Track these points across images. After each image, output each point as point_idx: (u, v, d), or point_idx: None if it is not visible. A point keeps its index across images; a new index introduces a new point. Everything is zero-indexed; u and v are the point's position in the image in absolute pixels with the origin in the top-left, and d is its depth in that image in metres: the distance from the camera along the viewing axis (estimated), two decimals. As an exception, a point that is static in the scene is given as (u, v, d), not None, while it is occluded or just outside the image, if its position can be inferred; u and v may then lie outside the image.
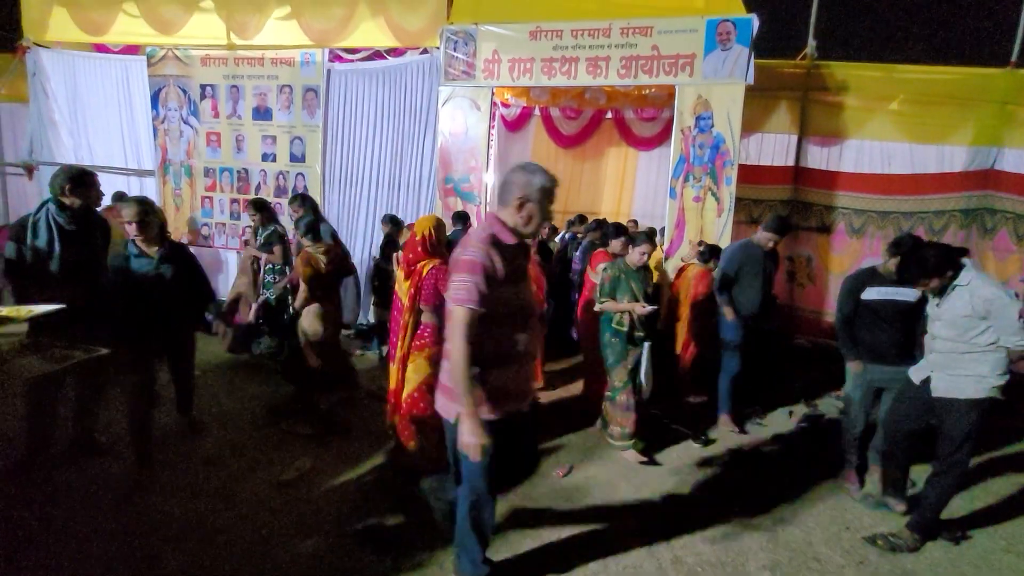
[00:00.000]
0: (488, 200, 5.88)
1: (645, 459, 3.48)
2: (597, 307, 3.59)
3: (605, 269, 3.63)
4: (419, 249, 3.07)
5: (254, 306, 4.38)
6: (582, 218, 6.40)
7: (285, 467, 3.19)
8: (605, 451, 3.64)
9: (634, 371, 3.53)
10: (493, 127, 6.21)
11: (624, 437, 3.55)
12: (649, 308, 3.45)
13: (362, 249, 6.06)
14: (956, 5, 9.92)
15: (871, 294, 3.00)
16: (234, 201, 6.53)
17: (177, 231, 6.56)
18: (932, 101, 5.26)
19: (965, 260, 2.61)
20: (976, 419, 2.54)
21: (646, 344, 3.54)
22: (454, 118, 5.53)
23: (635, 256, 3.60)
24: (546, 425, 3.93)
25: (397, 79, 5.87)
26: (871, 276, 3.06)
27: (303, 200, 4.82)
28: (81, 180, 2.96)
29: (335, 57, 6.05)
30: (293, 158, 6.28)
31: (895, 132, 5.44)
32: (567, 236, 6.05)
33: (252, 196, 6.37)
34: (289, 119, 6.22)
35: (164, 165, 6.65)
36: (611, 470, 3.39)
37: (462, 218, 5.04)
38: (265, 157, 6.38)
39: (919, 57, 5.57)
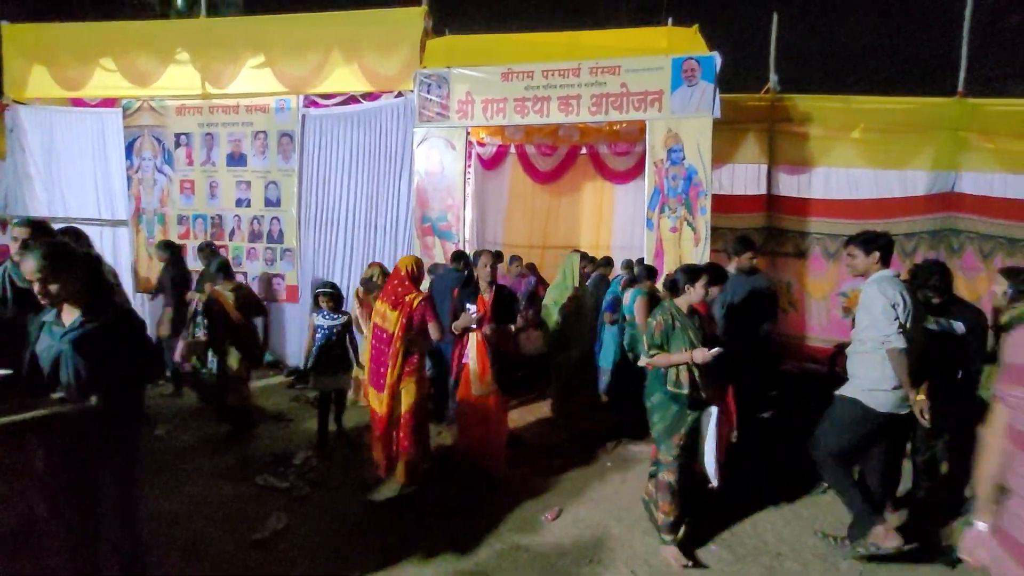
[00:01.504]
0: (466, 237, 5.89)
1: (689, 562, 2.76)
2: (644, 361, 2.92)
3: (654, 316, 2.95)
4: (407, 282, 3.41)
5: (179, 346, 4.50)
6: (608, 260, 6.24)
7: (258, 525, 3.05)
8: (594, 488, 3.53)
9: (690, 445, 2.82)
10: (469, 165, 6.28)
11: (667, 528, 2.85)
12: (712, 351, 2.72)
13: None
14: (901, 39, 10.56)
15: None
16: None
17: (150, 280, 6.42)
18: (891, 129, 5.50)
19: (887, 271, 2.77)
20: (839, 416, 2.74)
21: (712, 410, 2.82)
22: (430, 158, 5.60)
23: (697, 292, 2.88)
24: (531, 460, 3.87)
25: (372, 122, 5.95)
26: None
27: (210, 249, 5.33)
28: (40, 231, 2.85)
29: (310, 102, 6.13)
30: (268, 202, 6.28)
31: (859, 159, 5.66)
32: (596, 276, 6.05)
33: (226, 242, 6.36)
34: (264, 164, 6.24)
35: (137, 214, 6.61)
36: (602, 511, 3.27)
37: (460, 257, 4.95)
38: (239, 202, 6.37)
39: (874, 88, 5.88)
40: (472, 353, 3.55)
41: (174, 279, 5.25)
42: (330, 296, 4.03)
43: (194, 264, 5.77)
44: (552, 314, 4.63)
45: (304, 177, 6.19)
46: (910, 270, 3.31)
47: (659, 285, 4.54)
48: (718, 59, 4.98)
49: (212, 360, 4.29)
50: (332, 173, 6.13)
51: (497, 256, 6.15)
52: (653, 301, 4.06)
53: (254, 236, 6.32)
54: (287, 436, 4.33)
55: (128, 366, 2.12)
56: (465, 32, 6.10)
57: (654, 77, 5.13)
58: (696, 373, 2.81)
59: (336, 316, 4.05)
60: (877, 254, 2.74)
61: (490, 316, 3.55)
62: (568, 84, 5.30)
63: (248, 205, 6.34)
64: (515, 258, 6.25)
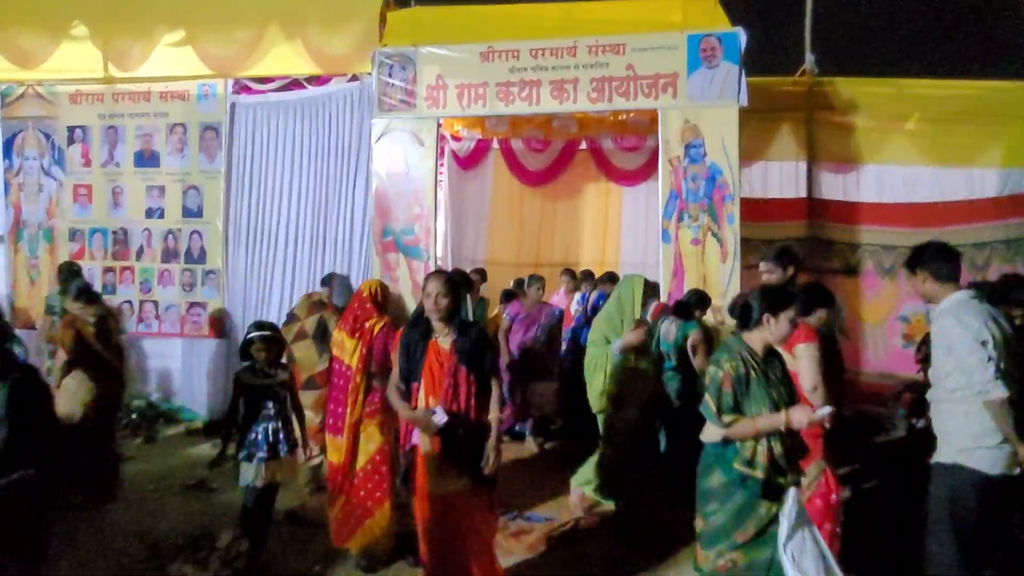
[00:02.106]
0: (438, 255, 5.77)
1: None
2: (722, 432, 2.43)
3: (717, 363, 2.48)
4: (368, 306, 3.48)
5: None
6: (611, 276, 6.22)
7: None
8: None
9: (759, 540, 2.38)
10: (442, 165, 6.31)
11: None
12: (821, 412, 2.34)
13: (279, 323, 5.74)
14: (963, 11, 10.68)
15: None
16: (108, 271, 6.31)
17: (29, 313, 6.16)
18: (953, 119, 5.60)
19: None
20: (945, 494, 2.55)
21: (791, 492, 2.38)
22: (392, 156, 5.54)
23: (781, 327, 2.44)
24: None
25: (319, 112, 5.92)
26: None
27: (70, 270, 5.20)
28: None
29: (241, 88, 6.09)
30: (187, 213, 6.20)
31: (916, 155, 5.74)
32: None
33: (133, 262, 6.22)
34: (182, 165, 6.18)
35: (17, 229, 6.43)
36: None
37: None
38: (150, 213, 6.27)
39: (932, 71, 6.02)
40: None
41: None
42: (267, 343, 3.39)
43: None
44: (599, 358, 4.07)
45: (233, 181, 6.11)
46: (983, 285, 3.29)
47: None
48: (743, 36, 4.99)
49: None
50: (269, 176, 6.08)
51: (480, 275, 6.10)
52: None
53: (168, 255, 6.21)
54: (207, 510, 4.15)
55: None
56: (436, 2, 6.15)
57: (666, 57, 5.12)
58: (779, 447, 2.38)
59: (272, 372, 3.44)
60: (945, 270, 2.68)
61: (447, 389, 2.77)
62: (562, 66, 5.27)
63: (161, 216, 6.23)
64: (536, 279, 5.82)
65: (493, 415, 2.82)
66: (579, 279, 6.37)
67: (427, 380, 2.79)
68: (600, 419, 4.08)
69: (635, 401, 3.94)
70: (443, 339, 2.82)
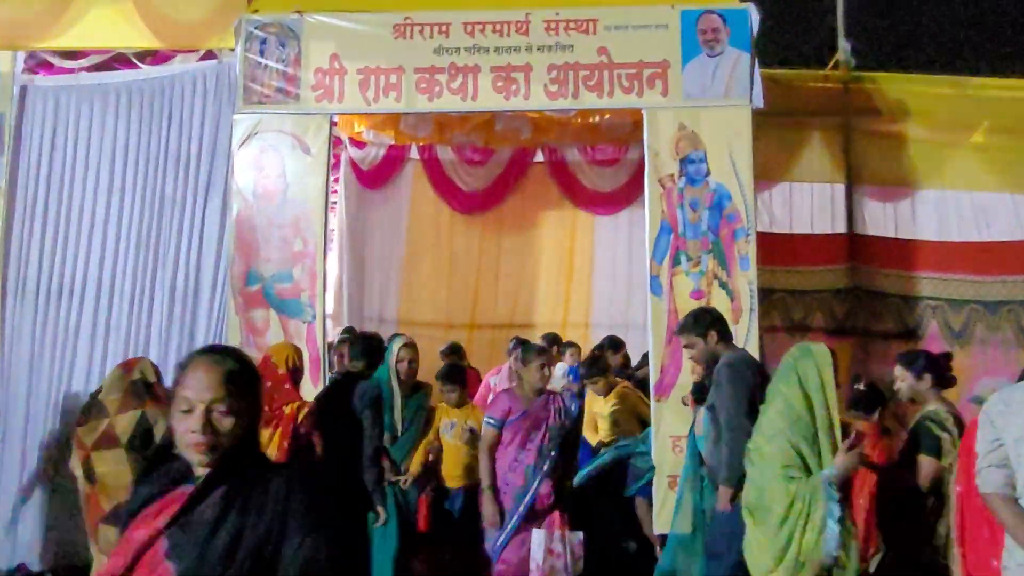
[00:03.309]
0: (328, 311, 5.76)
1: None
2: None
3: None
4: (286, 385, 3.76)
5: None
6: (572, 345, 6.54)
7: None
8: None
9: None
10: (336, 181, 6.31)
11: None
12: None
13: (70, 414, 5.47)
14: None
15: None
16: None
17: None
18: None
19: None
20: None
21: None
22: (262, 168, 5.49)
23: None
24: None
25: (155, 103, 5.88)
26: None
27: None
28: None
29: (38, 65, 6.07)
30: None
31: (987, 177, 5.99)
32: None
33: None
34: None
35: None
36: None
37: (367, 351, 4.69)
38: None
39: (1003, 68, 6.38)
40: None
41: None
42: None
43: None
44: (780, 494, 3.40)
45: (19, 197, 5.92)
46: None
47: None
48: (755, 13, 5.17)
49: None
50: (75, 192, 5.95)
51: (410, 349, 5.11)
52: None
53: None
54: None
55: None
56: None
57: (653, 39, 5.24)
58: None
59: None
60: None
61: None
62: (510, 47, 5.35)
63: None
64: (535, 348, 5.09)
65: None
66: (557, 346, 6.37)
67: None
68: None
69: None
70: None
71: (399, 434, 4.58)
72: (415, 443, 4.65)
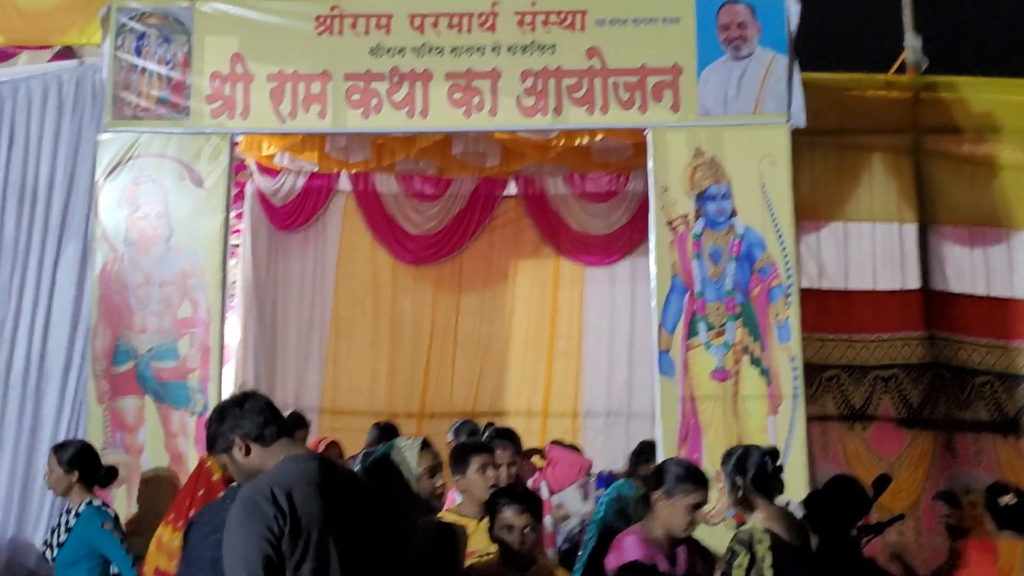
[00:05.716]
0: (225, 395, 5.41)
1: None
2: None
3: None
4: (220, 495, 3.89)
5: None
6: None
7: None
8: None
9: None
10: (239, 218, 6.52)
11: None
12: None
13: None
14: None
15: None
16: None
17: None
18: None
19: None
20: None
21: None
22: (138, 205, 5.27)
23: None
24: None
25: None
26: None
27: None
28: None
29: None
30: None
31: None
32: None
33: None
34: None
35: None
36: None
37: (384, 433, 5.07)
38: None
39: None
40: None
41: None
42: None
43: None
44: None
45: None
46: None
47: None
48: (794, 3, 4.95)
49: None
50: None
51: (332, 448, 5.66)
52: None
53: None
54: None
55: None
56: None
57: (661, 37, 5.04)
58: None
59: None
60: None
61: None
62: (471, 47, 5.15)
63: None
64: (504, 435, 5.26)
65: None
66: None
67: None
68: None
69: None
70: None
71: None
72: None
